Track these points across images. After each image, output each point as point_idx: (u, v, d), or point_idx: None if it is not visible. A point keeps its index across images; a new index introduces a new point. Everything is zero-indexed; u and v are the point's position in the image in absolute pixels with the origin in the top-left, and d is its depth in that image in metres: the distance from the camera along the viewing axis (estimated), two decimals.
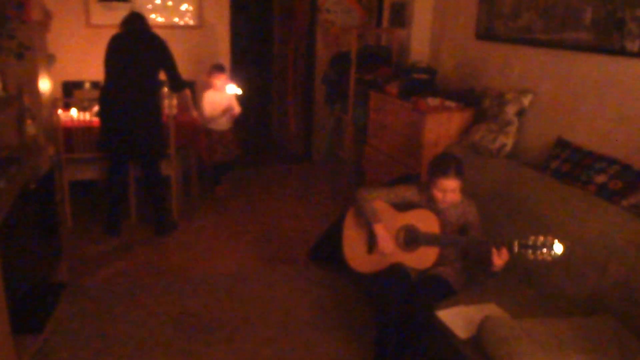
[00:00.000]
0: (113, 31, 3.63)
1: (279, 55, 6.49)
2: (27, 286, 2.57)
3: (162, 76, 3.68)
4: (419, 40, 4.31)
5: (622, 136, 2.58)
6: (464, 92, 3.64)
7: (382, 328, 2.43)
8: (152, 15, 4.73)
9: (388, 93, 3.93)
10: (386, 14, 4.75)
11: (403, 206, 2.60)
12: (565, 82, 2.93)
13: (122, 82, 3.53)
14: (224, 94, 4.40)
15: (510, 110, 3.15)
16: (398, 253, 2.53)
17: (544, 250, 2.15)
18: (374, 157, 4.08)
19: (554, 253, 2.15)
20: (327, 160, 5.52)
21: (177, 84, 3.72)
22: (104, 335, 2.69)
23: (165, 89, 3.84)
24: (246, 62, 6.82)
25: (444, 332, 2.22)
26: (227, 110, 4.35)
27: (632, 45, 2.47)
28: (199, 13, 4.90)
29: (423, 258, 2.50)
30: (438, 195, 2.47)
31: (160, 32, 3.68)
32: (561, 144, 2.84)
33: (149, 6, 4.73)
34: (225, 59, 5.11)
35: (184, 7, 4.86)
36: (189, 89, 3.83)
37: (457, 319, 2.22)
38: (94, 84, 4.39)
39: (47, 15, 3.80)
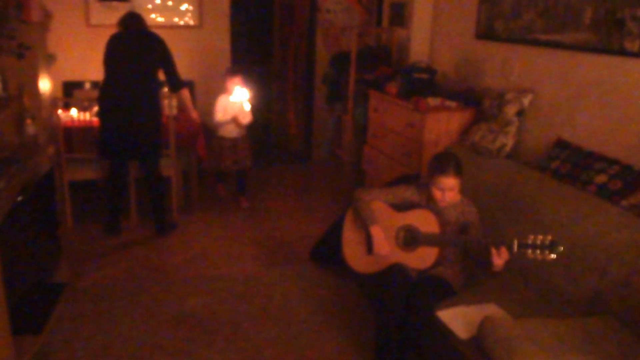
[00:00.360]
0: (113, 31, 3.63)
1: (279, 55, 6.49)
2: (27, 286, 2.57)
3: (161, 76, 3.68)
4: (419, 40, 4.31)
5: (622, 136, 2.58)
6: (464, 92, 3.64)
7: (382, 328, 2.43)
8: (152, 15, 4.74)
9: (388, 93, 3.93)
10: (386, 13, 4.75)
11: (402, 206, 2.60)
12: (565, 82, 2.93)
13: (121, 82, 3.53)
14: (243, 99, 4.16)
15: (510, 110, 3.15)
16: (398, 253, 2.53)
17: (544, 250, 2.15)
18: (374, 157, 4.08)
19: (554, 253, 2.15)
20: (328, 160, 5.52)
21: (176, 83, 3.71)
22: (103, 335, 2.69)
23: (166, 89, 3.84)
24: (246, 62, 6.82)
25: (444, 332, 2.22)
26: (235, 118, 4.14)
27: (632, 45, 2.48)
28: (199, 13, 4.90)
29: (423, 258, 2.50)
30: (437, 194, 2.47)
31: (160, 32, 3.68)
32: (561, 144, 2.84)
33: (149, 6, 4.73)
34: (225, 59, 5.11)
35: (184, 7, 4.86)
36: (188, 88, 3.82)
37: (457, 319, 2.22)
38: (94, 84, 4.38)
39: (47, 15, 3.80)
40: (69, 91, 4.50)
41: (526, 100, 3.12)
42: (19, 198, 2.41)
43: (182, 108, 4.02)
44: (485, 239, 2.42)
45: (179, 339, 2.69)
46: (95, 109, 3.81)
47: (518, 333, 1.94)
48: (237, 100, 4.09)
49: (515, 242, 2.20)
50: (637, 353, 1.90)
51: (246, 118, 4.18)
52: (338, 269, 3.21)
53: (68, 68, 4.53)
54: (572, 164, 2.68)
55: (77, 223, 3.95)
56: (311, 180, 5.25)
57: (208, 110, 4.63)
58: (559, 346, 1.90)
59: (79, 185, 4.19)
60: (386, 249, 2.51)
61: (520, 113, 3.14)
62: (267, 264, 3.50)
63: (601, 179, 2.49)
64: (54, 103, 3.76)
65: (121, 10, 3.78)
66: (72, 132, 3.78)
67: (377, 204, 2.60)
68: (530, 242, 2.18)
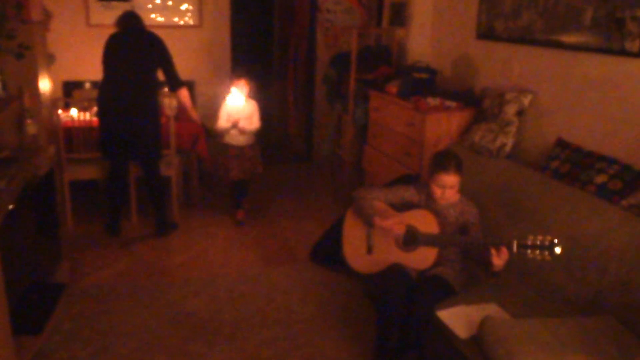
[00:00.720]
0: (113, 31, 3.63)
1: (279, 55, 6.49)
2: (27, 286, 2.58)
3: (160, 76, 3.67)
4: (419, 40, 4.30)
5: (622, 136, 2.58)
6: (464, 92, 3.64)
7: (382, 328, 2.43)
8: (152, 15, 4.74)
9: (388, 93, 3.93)
10: (386, 13, 4.75)
11: (402, 206, 2.60)
12: (565, 82, 2.93)
13: (120, 82, 3.53)
14: (244, 103, 3.95)
15: (510, 110, 3.15)
16: (397, 253, 2.53)
17: (543, 250, 2.15)
18: (374, 157, 4.08)
19: (554, 253, 2.15)
20: (328, 160, 5.52)
21: (175, 82, 3.71)
22: (103, 335, 2.69)
23: (166, 89, 3.83)
24: (246, 62, 6.82)
25: (444, 332, 2.22)
26: (236, 124, 3.88)
27: (632, 45, 2.47)
28: (199, 13, 4.90)
29: (422, 258, 2.50)
30: (437, 191, 2.48)
31: (160, 32, 3.67)
32: (561, 144, 2.84)
33: (149, 6, 4.73)
34: (225, 59, 5.11)
35: (184, 6, 4.86)
36: (187, 88, 3.81)
37: (457, 318, 2.22)
38: (94, 84, 4.38)
39: (47, 15, 3.80)
40: (69, 91, 4.50)
41: (526, 100, 3.12)
42: (19, 198, 2.41)
43: (182, 108, 4.02)
44: (484, 239, 2.42)
45: (179, 339, 2.69)
46: (95, 109, 3.81)
47: (518, 333, 1.95)
48: (235, 104, 3.91)
49: (515, 243, 2.20)
50: (636, 353, 1.91)
51: (253, 124, 3.96)
52: (338, 269, 3.21)
53: (68, 68, 4.53)
54: (572, 163, 2.68)
55: (77, 223, 3.95)
56: (311, 180, 5.25)
57: (208, 110, 4.64)
58: (559, 346, 1.90)
59: (79, 185, 4.19)
60: (399, 227, 2.48)
61: (520, 113, 3.14)
62: (267, 264, 3.50)
63: (601, 179, 2.49)
64: (54, 103, 3.76)
65: (121, 10, 3.78)
66: (72, 132, 3.78)
67: (378, 203, 2.60)
68: (529, 242, 2.18)
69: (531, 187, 2.69)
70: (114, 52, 3.56)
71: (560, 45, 2.92)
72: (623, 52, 2.53)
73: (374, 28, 5.12)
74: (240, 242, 3.79)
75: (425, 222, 2.50)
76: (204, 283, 3.22)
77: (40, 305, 2.70)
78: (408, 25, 4.35)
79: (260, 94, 4.32)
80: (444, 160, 2.46)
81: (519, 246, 2.19)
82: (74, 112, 3.85)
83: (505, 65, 3.41)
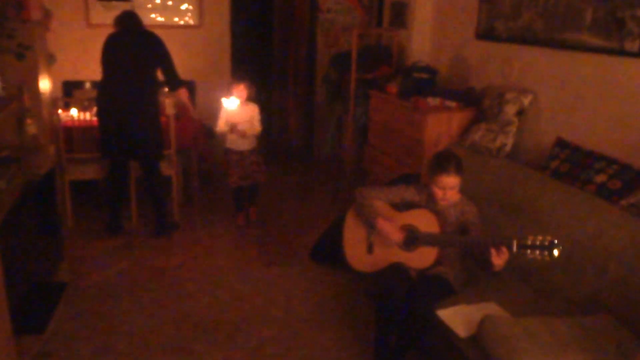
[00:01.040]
0: (112, 31, 3.63)
1: (279, 55, 6.49)
2: (27, 286, 2.58)
3: (160, 76, 3.67)
4: (419, 40, 4.31)
5: (622, 136, 2.59)
6: (464, 92, 3.64)
7: (382, 327, 2.44)
8: (152, 15, 4.74)
9: (388, 93, 3.93)
10: (386, 14, 4.75)
11: (402, 206, 2.60)
12: (565, 82, 2.93)
13: (119, 82, 3.53)
14: (244, 107, 3.79)
15: (510, 110, 3.15)
16: (398, 253, 2.53)
17: (543, 250, 2.15)
18: (375, 156, 4.09)
19: (553, 253, 2.15)
20: (328, 160, 5.52)
21: (174, 82, 3.71)
22: (104, 335, 2.70)
23: (166, 89, 3.83)
24: (246, 62, 6.82)
25: (444, 331, 2.22)
26: (234, 128, 3.72)
27: (632, 45, 2.48)
28: (199, 13, 4.91)
29: (423, 258, 2.50)
30: (438, 192, 2.48)
31: (160, 32, 3.67)
32: (561, 143, 2.85)
33: (149, 5, 4.73)
34: (225, 59, 5.12)
35: (184, 6, 4.87)
36: (186, 87, 3.81)
37: (457, 318, 2.22)
38: (94, 84, 4.38)
39: (47, 15, 3.79)
40: (69, 91, 4.50)
41: (526, 100, 3.12)
42: (19, 198, 2.41)
43: (181, 108, 4.02)
44: (485, 238, 2.42)
45: (179, 338, 2.70)
46: (95, 108, 3.81)
47: (517, 332, 1.95)
48: (230, 107, 3.73)
49: (515, 243, 2.20)
50: (635, 351, 1.91)
51: (253, 128, 3.81)
52: (338, 268, 3.21)
53: (68, 68, 4.53)
54: (572, 163, 2.68)
55: (78, 223, 3.95)
56: (311, 180, 5.25)
57: (208, 110, 4.63)
58: (558, 344, 1.90)
59: (79, 185, 4.19)
60: (399, 235, 2.49)
61: (520, 113, 3.15)
62: (267, 264, 3.50)
63: (601, 178, 2.49)
64: (54, 103, 3.76)
65: (121, 10, 3.79)
66: (73, 132, 3.78)
67: (378, 203, 2.60)
68: (529, 242, 2.18)
69: (531, 187, 2.69)
70: (112, 52, 3.56)
71: (560, 45, 2.92)
72: (623, 52, 2.53)
73: (374, 28, 5.12)
74: (240, 242, 3.79)
75: (425, 222, 2.50)
76: (204, 283, 3.22)
77: (41, 304, 2.71)
78: (408, 25, 4.35)
79: (260, 94, 4.27)
80: (444, 162, 2.46)
81: (519, 246, 2.19)
82: (74, 112, 3.85)
83: (505, 65, 3.41)
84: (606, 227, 2.27)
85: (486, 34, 3.57)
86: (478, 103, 3.46)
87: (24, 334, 2.45)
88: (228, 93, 3.77)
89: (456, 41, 3.97)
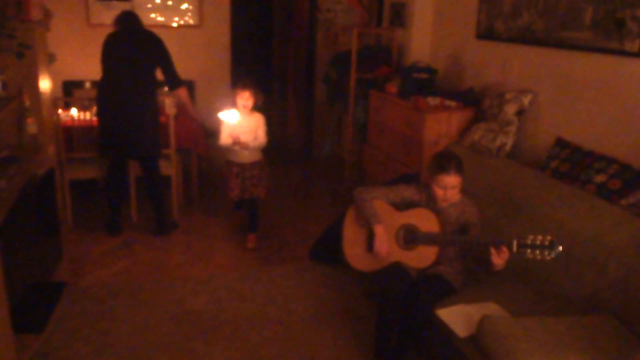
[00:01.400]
0: (111, 30, 3.63)
1: (279, 55, 6.49)
2: (27, 286, 2.57)
3: (159, 75, 3.67)
4: (419, 40, 4.31)
5: (622, 136, 2.59)
6: (464, 92, 3.64)
7: (382, 326, 2.44)
8: (152, 15, 4.74)
9: (388, 93, 3.93)
10: (386, 14, 4.75)
11: (403, 205, 2.60)
12: (565, 82, 2.93)
13: (119, 81, 3.53)
14: (248, 117, 3.50)
15: (510, 110, 3.15)
16: (398, 252, 2.53)
17: (543, 250, 2.16)
18: (374, 156, 4.09)
19: (553, 253, 2.15)
20: (328, 160, 5.52)
21: (174, 82, 3.71)
22: (104, 334, 2.69)
23: (166, 89, 3.83)
24: (246, 62, 6.82)
25: (444, 330, 2.22)
26: (237, 140, 3.42)
27: (632, 45, 2.48)
28: (199, 13, 4.91)
29: (423, 257, 2.50)
30: (439, 192, 2.47)
31: (160, 32, 3.67)
32: (561, 143, 2.85)
33: (149, 5, 4.73)
34: (225, 59, 5.11)
35: (184, 6, 4.86)
36: (186, 87, 3.81)
37: (456, 317, 2.23)
38: (94, 84, 4.38)
39: (47, 15, 3.79)
40: (69, 91, 4.50)
41: (526, 100, 3.13)
42: (19, 198, 2.41)
43: (181, 107, 4.02)
44: (485, 238, 2.42)
45: (179, 338, 2.69)
46: (95, 108, 3.81)
47: (517, 331, 1.95)
48: (230, 121, 3.44)
49: (515, 242, 2.20)
50: (635, 351, 1.91)
51: (257, 140, 3.54)
52: (338, 268, 3.21)
53: (68, 67, 4.53)
54: (572, 163, 2.68)
55: (78, 223, 3.95)
56: (311, 179, 5.25)
57: (208, 110, 4.63)
58: (558, 344, 1.90)
59: (79, 185, 4.19)
60: (385, 249, 2.51)
61: (520, 113, 3.15)
62: (267, 264, 3.50)
63: (600, 178, 2.49)
64: (54, 102, 3.76)
65: (121, 9, 3.79)
66: (73, 132, 3.79)
67: (379, 202, 2.60)
68: (529, 242, 2.18)
69: (531, 187, 2.69)
70: (112, 51, 3.56)
71: (560, 45, 2.93)
72: (623, 52, 2.53)
73: (373, 28, 5.12)
74: (240, 242, 3.79)
75: (425, 221, 2.50)
76: (203, 282, 3.22)
77: (41, 304, 2.71)
78: (408, 25, 4.35)
79: (266, 102, 4.15)
80: (444, 162, 2.45)
81: (519, 246, 2.20)
82: (74, 111, 3.85)
83: (505, 65, 3.41)
84: (606, 226, 2.28)
85: (486, 33, 3.57)
86: (478, 103, 3.46)
87: (23, 333, 2.45)
88: (231, 100, 3.48)
89: (456, 41, 3.97)
